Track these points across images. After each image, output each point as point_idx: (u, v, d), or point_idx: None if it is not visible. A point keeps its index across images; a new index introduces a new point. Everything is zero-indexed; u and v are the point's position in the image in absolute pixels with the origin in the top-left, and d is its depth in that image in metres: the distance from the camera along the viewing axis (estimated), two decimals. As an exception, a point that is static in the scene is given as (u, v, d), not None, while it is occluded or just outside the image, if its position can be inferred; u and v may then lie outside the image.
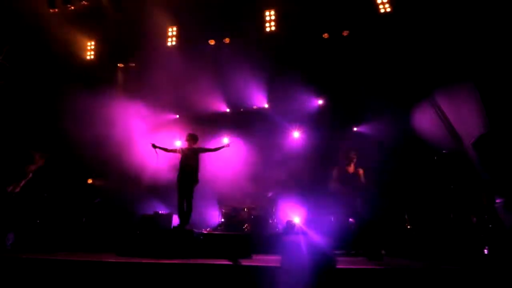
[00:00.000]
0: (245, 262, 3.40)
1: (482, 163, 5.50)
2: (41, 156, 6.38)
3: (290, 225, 7.67)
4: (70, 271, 3.98)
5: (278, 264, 2.68)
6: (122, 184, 8.59)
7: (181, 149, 6.58)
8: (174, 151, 6.64)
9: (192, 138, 6.56)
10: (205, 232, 6.14)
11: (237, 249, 4.77)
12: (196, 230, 5.50)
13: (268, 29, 8.49)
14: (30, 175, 6.32)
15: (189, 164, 6.29)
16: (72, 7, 8.63)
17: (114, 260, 4.12)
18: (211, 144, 7.59)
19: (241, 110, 9.87)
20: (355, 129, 9.26)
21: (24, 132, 8.26)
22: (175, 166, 6.65)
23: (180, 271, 3.42)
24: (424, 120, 7.39)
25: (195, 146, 6.59)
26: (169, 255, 4.55)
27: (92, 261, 4.07)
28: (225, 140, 9.31)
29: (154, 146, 6.59)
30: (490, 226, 5.37)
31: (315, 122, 9.20)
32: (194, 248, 5.00)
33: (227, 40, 9.04)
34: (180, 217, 6.10)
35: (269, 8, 8.49)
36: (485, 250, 5.12)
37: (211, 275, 3.19)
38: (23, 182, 6.28)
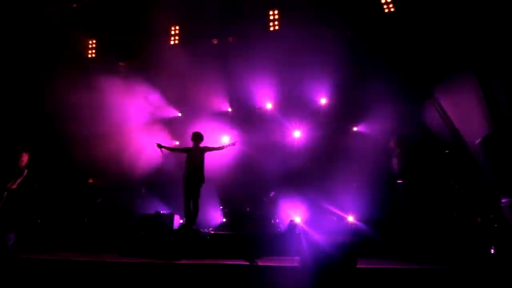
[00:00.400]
0: (259, 263, 3.35)
1: (488, 162, 5.49)
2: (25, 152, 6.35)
3: (292, 225, 7.65)
4: (77, 271, 3.92)
5: (296, 264, 2.64)
6: (122, 184, 8.51)
7: (187, 148, 6.52)
8: (180, 150, 6.60)
9: (197, 137, 6.51)
10: (212, 232, 6.09)
11: (248, 250, 4.72)
12: (203, 230, 5.46)
13: (271, 28, 8.47)
14: (26, 171, 6.27)
15: (195, 163, 6.24)
16: (74, 5, 8.56)
17: (119, 261, 4.07)
18: (213, 143, 7.54)
19: (244, 109, 9.80)
20: (355, 128, 9.23)
21: (24, 131, 8.20)
22: (179, 164, 6.60)
23: (196, 272, 3.37)
24: (432, 118, 7.33)
25: (201, 145, 6.54)
26: (177, 256, 4.50)
27: (97, 262, 4.02)
28: (226, 139, 9.28)
29: (159, 146, 6.54)
30: (496, 226, 5.37)
31: (318, 122, 9.16)
32: (202, 248, 4.96)
33: (230, 39, 9.00)
34: (186, 217, 6.04)
35: (273, 8, 8.45)
36: (492, 250, 5.11)
37: (228, 276, 3.13)
38: (20, 179, 6.23)
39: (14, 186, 6.28)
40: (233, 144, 6.87)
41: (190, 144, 6.75)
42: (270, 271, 3.04)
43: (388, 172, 6.13)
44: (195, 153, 6.37)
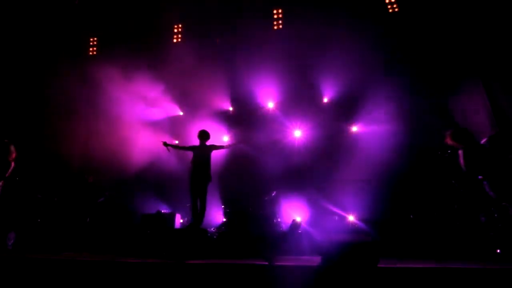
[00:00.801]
0: (278, 262, 3.32)
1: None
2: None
3: (295, 225, 7.64)
4: (86, 272, 3.85)
5: (316, 264, 2.61)
6: (124, 183, 8.43)
7: (194, 146, 6.46)
8: (186, 148, 6.52)
9: (204, 135, 6.46)
10: (220, 231, 6.03)
11: (259, 249, 4.69)
12: (210, 230, 5.41)
13: (275, 27, 8.43)
14: (13, 164, 6.14)
15: (202, 161, 6.17)
16: (76, 1, 8.45)
17: (129, 261, 4.00)
18: (215, 143, 7.48)
19: (245, 108, 9.76)
20: (355, 128, 9.24)
21: (23, 129, 8.08)
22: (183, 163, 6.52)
23: (209, 272, 3.32)
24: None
25: (207, 143, 6.49)
26: (187, 256, 4.43)
27: (107, 261, 3.95)
28: (225, 138, 9.24)
29: (165, 144, 6.47)
30: (500, 225, 5.40)
31: (320, 121, 9.15)
32: (211, 248, 4.91)
33: (233, 38, 8.96)
34: (193, 216, 5.96)
35: (277, 7, 8.41)
36: (498, 250, 5.14)
37: (242, 276, 3.08)
38: (8, 173, 6.10)
39: (7, 176, 6.13)
40: (241, 143, 6.83)
41: (191, 142, 6.70)
42: (287, 271, 3.00)
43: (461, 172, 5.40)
44: (202, 152, 6.29)
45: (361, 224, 7.63)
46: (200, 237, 5.11)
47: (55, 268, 4.15)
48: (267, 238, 5.35)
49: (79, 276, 3.97)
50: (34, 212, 7.09)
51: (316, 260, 4.02)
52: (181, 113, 9.81)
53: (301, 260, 4.42)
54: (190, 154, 6.98)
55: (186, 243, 4.91)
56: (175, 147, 6.61)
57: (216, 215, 8.71)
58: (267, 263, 3.08)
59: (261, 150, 9.00)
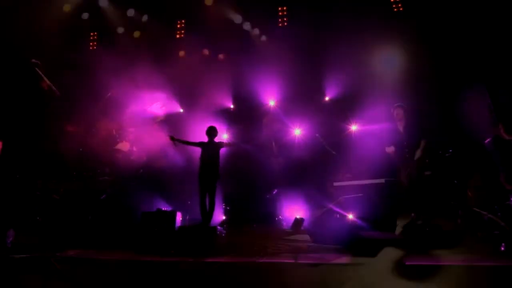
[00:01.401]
0: (302, 260, 3.29)
1: (496, 161, 5.58)
2: None
3: (298, 222, 7.66)
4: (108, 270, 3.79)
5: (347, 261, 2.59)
6: (124, 180, 8.31)
7: (202, 142, 6.39)
8: (194, 144, 6.45)
9: (213, 132, 6.41)
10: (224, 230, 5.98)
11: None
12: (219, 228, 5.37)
13: (280, 25, 8.41)
14: None
15: (211, 158, 6.13)
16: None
17: (146, 259, 3.95)
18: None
19: (246, 106, 9.73)
20: (355, 127, 9.27)
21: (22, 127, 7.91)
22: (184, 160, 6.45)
23: (224, 269, 3.28)
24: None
25: (216, 139, 6.45)
26: (201, 253, 4.38)
27: (123, 260, 3.89)
28: (225, 136, 9.21)
29: (172, 138, 6.40)
30: (503, 224, 5.47)
31: (321, 119, 9.17)
32: (221, 245, 4.87)
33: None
34: (202, 214, 5.91)
35: (282, 4, 8.39)
36: (502, 248, 5.20)
37: (271, 274, 3.05)
38: None
39: None
40: (247, 142, 6.81)
41: (189, 139, 6.64)
42: (311, 268, 2.98)
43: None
44: (210, 148, 6.24)
45: (362, 223, 7.66)
46: (210, 234, 5.07)
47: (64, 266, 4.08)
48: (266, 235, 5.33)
49: (86, 274, 3.91)
50: (34, 209, 6.95)
51: (327, 257, 4.03)
52: (181, 110, 9.73)
53: (317, 258, 4.41)
54: (191, 151, 6.93)
55: (197, 241, 4.87)
56: (183, 142, 6.53)
57: (216, 214, 8.65)
58: (292, 260, 3.07)
59: (263, 148, 8.98)
